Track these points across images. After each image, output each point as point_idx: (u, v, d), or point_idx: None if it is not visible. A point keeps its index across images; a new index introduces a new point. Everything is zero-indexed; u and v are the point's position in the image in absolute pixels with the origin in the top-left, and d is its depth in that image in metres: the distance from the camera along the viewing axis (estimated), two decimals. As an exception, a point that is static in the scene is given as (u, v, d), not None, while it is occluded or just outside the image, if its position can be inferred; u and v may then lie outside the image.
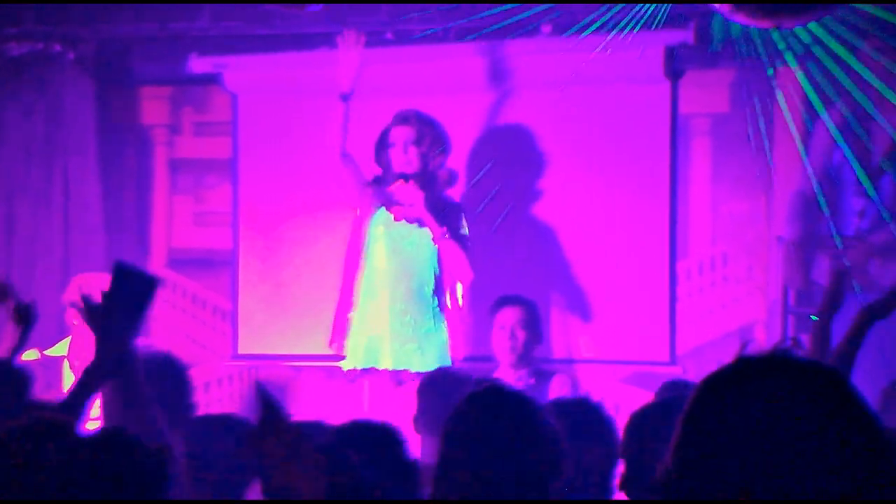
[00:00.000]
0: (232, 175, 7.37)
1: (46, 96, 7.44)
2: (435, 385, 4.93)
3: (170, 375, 4.50)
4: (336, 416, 6.56)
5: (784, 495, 1.48)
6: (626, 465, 3.15)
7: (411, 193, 6.15)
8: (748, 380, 1.55)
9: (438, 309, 6.19)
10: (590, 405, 3.67)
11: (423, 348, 6.09)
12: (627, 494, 3.08)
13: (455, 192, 6.54)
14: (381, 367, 6.10)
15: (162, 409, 3.39)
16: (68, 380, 6.08)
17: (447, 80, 6.89)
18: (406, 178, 6.18)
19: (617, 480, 3.18)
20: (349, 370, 6.24)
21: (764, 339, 6.51)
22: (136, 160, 7.61)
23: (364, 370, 6.17)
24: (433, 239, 6.16)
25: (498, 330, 5.89)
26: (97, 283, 5.87)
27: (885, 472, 1.50)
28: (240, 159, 7.34)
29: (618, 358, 6.63)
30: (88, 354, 3.24)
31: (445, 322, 6.19)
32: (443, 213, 6.21)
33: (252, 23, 7.08)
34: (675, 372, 6.17)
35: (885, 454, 1.52)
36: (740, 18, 4.60)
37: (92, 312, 3.21)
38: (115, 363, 3.21)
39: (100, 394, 3.26)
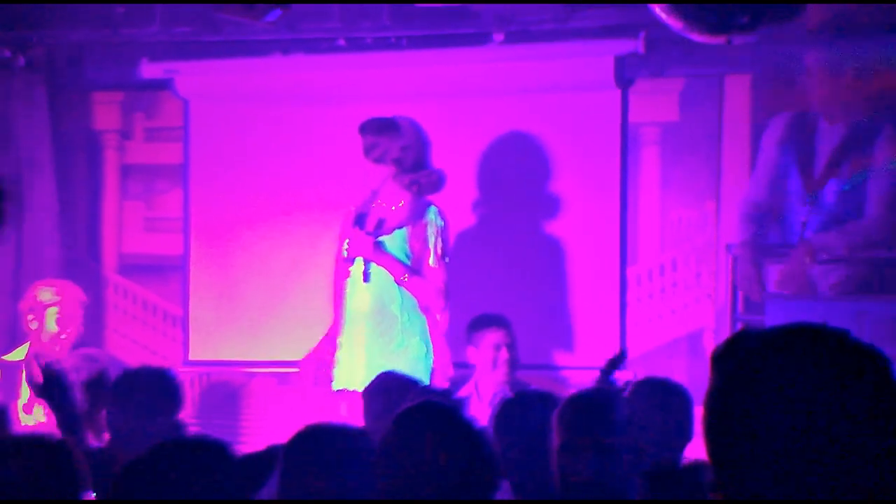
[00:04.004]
0: (183, 181, 7.37)
1: (-3, 101, 7.39)
2: (377, 391, 4.97)
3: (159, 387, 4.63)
4: (287, 421, 6.60)
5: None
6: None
7: (361, 244, 5.98)
8: (779, 353, 1.49)
9: (409, 324, 6.01)
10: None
11: (398, 367, 5.99)
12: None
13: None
14: (359, 388, 5.95)
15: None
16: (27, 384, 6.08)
17: (398, 88, 6.92)
18: (360, 223, 5.99)
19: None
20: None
21: (712, 345, 6.58)
22: (87, 165, 7.56)
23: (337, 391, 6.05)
24: (395, 281, 6.06)
25: (487, 349, 5.96)
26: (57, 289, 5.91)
27: None
28: (191, 165, 7.35)
29: (569, 363, 6.70)
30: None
31: (419, 336, 6.03)
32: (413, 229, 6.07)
33: (203, 29, 7.06)
34: (625, 377, 6.22)
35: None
36: (693, 36, 4.68)
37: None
38: None
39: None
